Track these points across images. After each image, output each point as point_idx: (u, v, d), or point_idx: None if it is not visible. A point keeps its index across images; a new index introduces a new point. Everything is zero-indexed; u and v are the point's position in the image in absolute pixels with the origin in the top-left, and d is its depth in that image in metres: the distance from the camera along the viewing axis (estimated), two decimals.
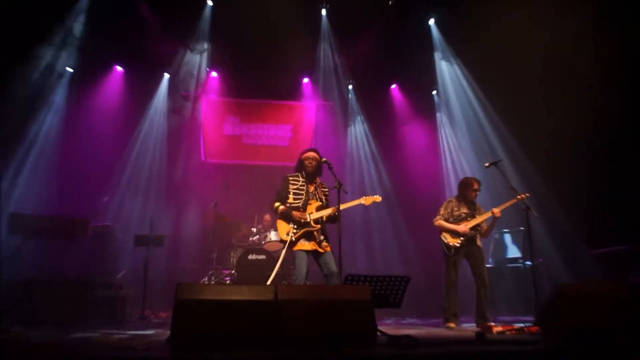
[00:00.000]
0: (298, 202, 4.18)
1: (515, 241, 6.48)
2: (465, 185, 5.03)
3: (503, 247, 6.65)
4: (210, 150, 8.45)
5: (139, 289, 5.47)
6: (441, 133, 8.68)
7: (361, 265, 7.68)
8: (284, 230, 4.13)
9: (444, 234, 4.94)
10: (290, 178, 4.27)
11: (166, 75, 8.24)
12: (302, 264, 3.99)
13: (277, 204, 4.20)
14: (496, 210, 4.79)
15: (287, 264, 6.16)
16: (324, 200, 4.27)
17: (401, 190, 8.23)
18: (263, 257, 6.35)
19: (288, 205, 4.20)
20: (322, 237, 4.16)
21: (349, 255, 7.47)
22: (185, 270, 7.13)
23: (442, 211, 5.05)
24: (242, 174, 8.05)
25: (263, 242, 6.80)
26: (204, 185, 7.74)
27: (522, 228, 6.36)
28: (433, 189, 8.09)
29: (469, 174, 7.17)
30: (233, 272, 6.48)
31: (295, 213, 4.12)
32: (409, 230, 7.92)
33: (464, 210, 4.97)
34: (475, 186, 4.99)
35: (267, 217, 7.25)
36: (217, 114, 8.61)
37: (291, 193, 4.19)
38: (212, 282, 6.20)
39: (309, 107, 8.88)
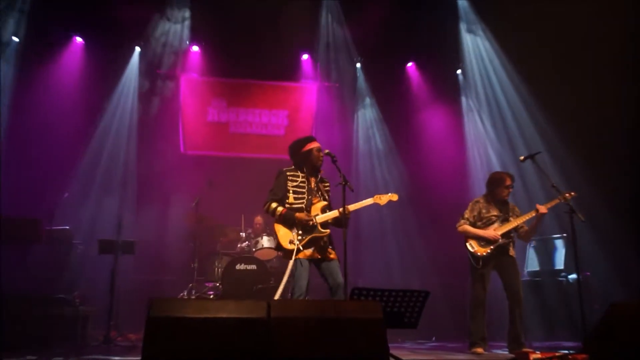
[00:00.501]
0: (301, 203, 4.20)
1: (556, 250, 6.52)
2: (496, 182, 5.05)
3: (541, 258, 6.69)
4: (191, 140, 8.46)
5: (104, 305, 5.46)
6: (467, 120, 8.72)
7: (370, 277, 7.76)
8: (285, 237, 4.15)
9: (470, 241, 4.97)
10: (289, 173, 4.28)
11: (137, 49, 8.20)
12: (304, 276, 4.03)
13: (273, 204, 4.20)
14: (542, 207, 4.79)
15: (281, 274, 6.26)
16: (327, 198, 4.30)
17: (418, 188, 8.32)
18: (253, 267, 6.45)
19: (288, 206, 4.21)
20: (328, 245, 4.22)
21: (356, 265, 7.51)
22: (160, 282, 7.20)
23: (467, 214, 5.07)
24: (229, 169, 8.09)
25: (254, 249, 6.87)
26: (184, 182, 7.76)
27: (564, 235, 6.41)
28: (457, 187, 8.11)
29: (499, 169, 7.25)
30: (218, 285, 6.57)
31: (300, 215, 4.14)
32: (428, 236, 7.99)
33: (494, 212, 4.99)
34: (508, 182, 4.99)
35: (259, 219, 7.31)
36: (199, 96, 8.63)
37: (291, 191, 4.21)
38: (193, 297, 6.25)
39: (308, 90, 8.94)
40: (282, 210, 4.17)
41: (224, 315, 2.61)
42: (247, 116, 8.75)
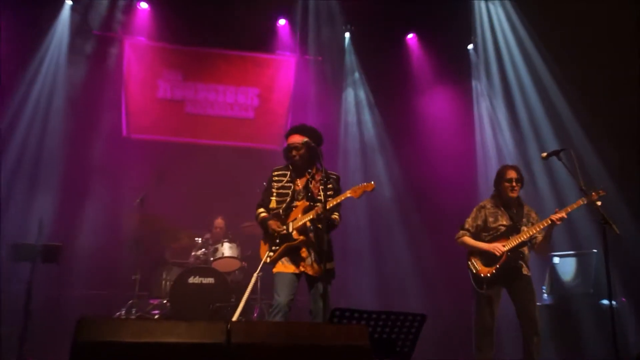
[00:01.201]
0: (280, 207, 4.48)
1: (584, 269, 6.60)
2: (497, 177, 5.14)
3: (565, 278, 6.75)
4: (136, 121, 8.44)
5: (17, 325, 5.32)
6: (477, 106, 8.80)
7: (356, 296, 7.88)
8: (264, 249, 4.47)
9: (472, 258, 5.04)
10: (276, 173, 4.57)
11: (68, 3, 8.09)
12: (284, 290, 4.20)
13: (259, 210, 4.53)
14: (556, 216, 4.80)
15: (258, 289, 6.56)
16: (321, 196, 4.34)
17: (417, 186, 8.42)
18: (211, 280, 6.54)
19: (271, 211, 4.50)
20: (312, 255, 4.34)
21: (339, 280, 7.56)
22: (91, 298, 7.12)
23: (468, 223, 5.13)
24: (184, 159, 8.12)
25: (212, 259, 6.94)
26: (125, 173, 7.78)
27: (594, 251, 6.47)
28: (464, 187, 8.19)
29: (516, 160, 7.40)
30: (165, 302, 6.66)
31: (271, 223, 4.40)
32: (428, 246, 8.08)
33: (503, 221, 5.05)
34: (510, 174, 5.04)
35: (219, 221, 7.46)
36: (147, 66, 8.60)
37: (275, 194, 4.51)
38: (133, 317, 6.27)
39: (285, 63, 9.03)
40: (261, 217, 4.47)
41: (172, 339, 2.57)
42: (208, 94, 8.75)
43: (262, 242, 4.53)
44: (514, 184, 5.03)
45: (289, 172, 4.54)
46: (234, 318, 4.49)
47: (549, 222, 4.83)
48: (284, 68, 9.00)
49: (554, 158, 4.78)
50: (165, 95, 8.64)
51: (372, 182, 4.33)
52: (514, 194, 5.04)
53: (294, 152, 4.49)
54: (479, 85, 8.81)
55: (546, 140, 7.71)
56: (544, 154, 4.89)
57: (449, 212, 7.11)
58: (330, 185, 4.33)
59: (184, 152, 8.33)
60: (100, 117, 8.03)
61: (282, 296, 4.20)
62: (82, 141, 7.75)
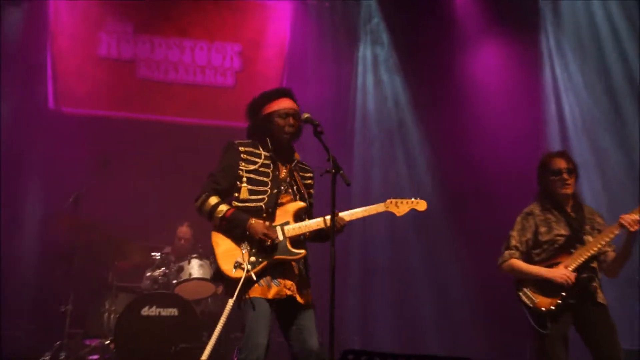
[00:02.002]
0: (259, 201, 4.26)
1: None
2: (543, 168, 5.09)
3: None
4: (68, 90, 8.42)
5: None
6: (547, 66, 8.82)
7: (375, 330, 7.97)
8: (228, 257, 4.17)
9: (524, 289, 4.92)
10: (243, 149, 4.35)
11: None
12: (261, 326, 4.04)
13: (213, 199, 4.25)
14: (627, 217, 4.69)
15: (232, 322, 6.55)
16: (305, 195, 4.38)
17: (459, 184, 8.49)
18: (173, 311, 6.47)
19: (239, 205, 4.25)
20: (303, 276, 4.29)
21: (350, 309, 7.73)
22: (3, 339, 7.01)
23: (514, 237, 5.06)
24: (136, 142, 8.10)
25: (174, 282, 6.94)
26: (53, 162, 7.76)
27: None
28: (528, 179, 8.01)
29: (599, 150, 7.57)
30: (108, 342, 6.57)
31: (256, 224, 4.17)
32: (470, 263, 8.15)
33: (561, 229, 4.94)
34: (557, 164, 4.98)
35: (185, 230, 7.52)
36: (84, 14, 8.57)
37: (245, 180, 4.27)
38: None
39: (278, 9, 9.03)
40: (228, 212, 4.16)
41: None
42: (170, 51, 8.70)
43: (219, 246, 4.20)
44: (565, 176, 4.92)
45: (263, 152, 4.34)
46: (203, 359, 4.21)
47: (619, 230, 4.74)
48: (276, 16, 8.95)
49: None
50: (110, 53, 8.59)
51: (423, 201, 4.46)
52: (567, 190, 4.93)
53: (290, 122, 4.27)
54: (548, 38, 8.86)
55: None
56: None
57: (506, 218, 7.01)
58: (310, 181, 4.43)
59: (136, 132, 8.26)
60: (16, 84, 8.03)
61: (261, 336, 3.96)
62: None
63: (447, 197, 8.48)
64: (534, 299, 4.81)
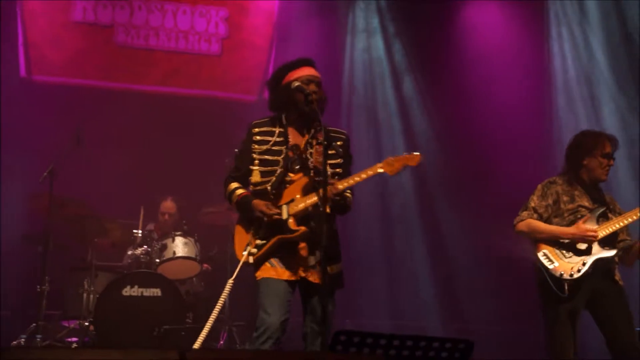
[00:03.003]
0: (267, 182, 4.29)
1: None
2: (585, 148, 4.97)
3: None
4: (41, 57, 8.31)
5: None
6: (553, 31, 8.79)
7: (370, 310, 8.16)
8: (241, 242, 4.31)
9: (542, 248, 4.84)
10: (257, 130, 4.39)
11: None
12: (276, 305, 4.09)
13: (233, 184, 4.37)
14: None
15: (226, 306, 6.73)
16: (327, 168, 4.17)
17: (460, 151, 8.53)
18: (156, 291, 6.43)
19: (252, 188, 4.35)
20: (316, 253, 4.21)
21: (346, 287, 7.72)
22: None
23: (534, 201, 4.99)
24: (114, 113, 7.89)
25: (157, 260, 6.91)
26: (25, 134, 7.71)
27: None
28: (533, 152, 8.17)
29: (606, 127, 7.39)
30: (87, 324, 6.53)
31: (257, 204, 4.22)
32: (478, 238, 8.10)
33: (584, 201, 4.90)
34: (607, 148, 4.89)
35: (169, 205, 7.48)
36: None
37: (257, 162, 4.30)
38: (39, 344, 6.27)
39: None
40: (240, 195, 4.28)
41: None
42: (151, 16, 8.55)
43: (237, 233, 4.32)
44: (612, 162, 4.91)
45: (278, 129, 4.34)
46: (196, 346, 4.27)
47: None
48: None
49: None
50: (85, 17, 8.41)
51: (418, 153, 4.34)
52: (606, 177, 4.94)
53: (312, 91, 4.15)
54: (557, 6, 8.85)
55: None
56: None
57: (510, 191, 6.86)
58: (333, 152, 4.22)
59: (115, 103, 8.08)
60: None
61: (272, 314, 4.00)
62: None
63: (448, 164, 8.48)
64: (554, 259, 4.76)
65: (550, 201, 4.92)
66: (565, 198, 4.91)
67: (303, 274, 4.18)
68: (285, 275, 4.16)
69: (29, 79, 8.23)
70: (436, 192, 8.64)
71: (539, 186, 5.03)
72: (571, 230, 4.74)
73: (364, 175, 4.24)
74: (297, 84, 4.22)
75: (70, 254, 7.11)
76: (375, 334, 3.04)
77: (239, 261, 4.23)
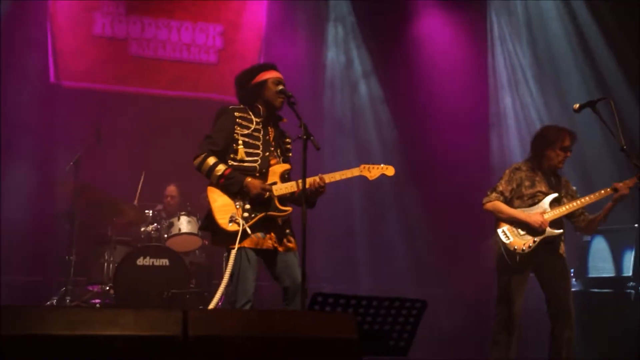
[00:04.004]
0: (254, 162, 4.35)
1: (620, 249, 6.67)
2: (547, 140, 5.18)
3: (597, 259, 6.86)
4: (67, 65, 8.43)
5: None
6: (493, 33, 9.03)
7: (342, 280, 8.13)
8: (224, 212, 4.25)
9: (503, 226, 5.10)
10: (238, 114, 4.40)
11: None
12: (251, 275, 4.20)
13: (211, 159, 4.28)
14: (622, 185, 4.91)
15: (215, 270, 6.81)
16: (289, 160, 4.51)
17: (420, 148, 8.63)
18: (164, 261, 6.66)
19: (236, 165, 4.33)
20: (286, 228, 4.40)
21: (322, 262, 7.88)
22: (15, 285, 7.19)
23: (502, 185, 5.19)
24: (128, 112, 8.14)
25: (165, 236, 7.10)
26: (54, 131, 7.85)
27: (636, 225, 6.58)
28: (477, 148, 8.46)
29: (543, 119, 7.48)
30: (107, 288, 6.79)
31: (253, 182, 4.25)
32: (431, 221, 8.38)
33: (541, 187, 5.14)
34: (566, 142, 5.12)
35: (172, 189, 7.67)
36: None
37: (241, 143, 4.34)
38: (68, 305, 6.40)
39: None
40: (226, 170, 4.24)
41: (115, 332, 2.53)
42: (159, 31, 8.76)
43: (213, 202, 4.28)
44: (569, 154, 5.13)
45: (254, 118, 4.41)
46: (211, 307, 4.52)
47: (609, 192, 4.93)
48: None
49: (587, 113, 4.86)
50: (104, 32, 8.61)
51: (391, 167, 4.60)
52: (561, 165, 5.17)
53: (280, 89, 4.34)
54: (492, 5, 9.07)
55: (585, 90, 7.90)
56: (577, 105, 4.96)
57: (458, 180, 7.60)
58: (289, 147, 4.49)
59: (129, 104, 8.32)
60: (19, 60, 8.04)
61: (249, 282, 4.18)
62: None
63: (409, 157, 8.59)
64: (511, 236, 5.00)
65: (514, 185, 5.12)
66: (527, 183, 5.11)
67: (275, 245, 4.29)
68: (260, 244, 4.24)
69: (57, 84, 8.31)
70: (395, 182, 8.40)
71: (507, 171, 5.22)
72: (526, 218, 4.96)
73: (347, 174, 4.43)
74: (280, 87, 4.32)
75: (93, 231, 7.26)
76: (347, 296, 3.15)
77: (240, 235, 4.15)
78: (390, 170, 4.58)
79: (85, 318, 2.57)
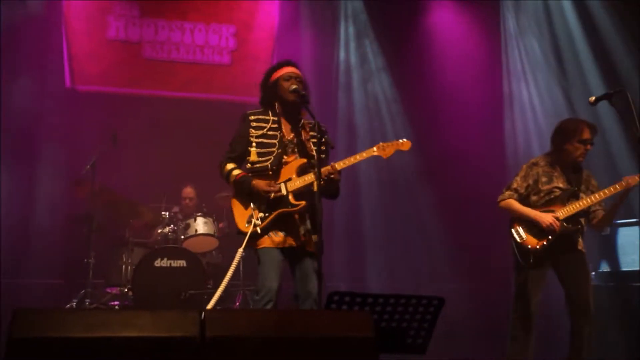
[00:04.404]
0: (266, 161, 4.35)
1: (629, 243, 6.64)
2: (566, 134, 5.10)
3: (619, 252, 6.77)
4: (83, 70, 8.46)
5: None
6: (507, 26, 9.01)
7: (361, 278, 8.14)
8: (243, 215, 4.32)
9: (516, 226, 5.08)
10: (254, 117, 4.43)
11: None
12: (272, 273, 4.18)
13: (229, 165, 4.39)
14: (632, 178, 4.84)
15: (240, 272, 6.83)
16: (314, 152, 4.31)
17: (434, 143, 8.55)
18: (182, 263, 6.71)
19: (249, 167, 4.37)
20: (307, 224, 4.35)
21: (339, 260, 7.85)
22: (35, 288, 7.26)
23: (516, 182, 5.16)
24: (144, 115, 8.18)
25: (182, 237, 7.13)
26: (71, 134, 7.87)
27: None
28: (492, 139, 8.47)
29: (560, 112, 7.44)
30: (126, 290, 6.82)
31: (257, 183, 4.28)
32: (449, 220, 8.31)
33: (559, 182, 5.09)
34: (585, 135, 5.02)
35: (189, 191, 7.72)
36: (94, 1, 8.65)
37: (254, 145, 4.36)
38: (87, 307, 6.44)
39: None
40: (238, 175, 4.31)
41: (132, 333, 2.56)
42: (172, 33, 8.80)
43: (235, 207, 4.37)
44: (589, 147, 5.02)
45: (271, 117, 4.41)
46: (209, 307, 4.45)
47: (623, 186, 4.84)
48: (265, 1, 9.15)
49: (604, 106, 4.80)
50: (118, 36, 8.67)
51: (407, 140, 4.48)
52: (582, 159, 5.06)
53: (293, 85, 4.32)
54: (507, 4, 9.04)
55: (601, 81, 7.85)
56: (592, 98, 4.85)
57: (473, 178, 7.50)
58: (324, 140, 4.33)
59: (144, 106, 8.35)
60: (36, 64, 8.08)
61: (272, 280, 4.14)
62: (14, 95, 7.77)
63: (425, 155, 8.48)
64: (523, 235, 4.96)
65: (530, 182, 5.07)
66: (544, 179, 5.05)
67: (296, 243, 4.26)
68: (281, 243, 4.22)
69: (73, 89, 8.37)
70: (419, 180, 8.69)
71: (524, 167, 5.18)
72: (536, 217, 4.91)
73: (359, 157, 4.34)
74: (291, 82, 4.30)
75: (111, 233, 7.25)
76: (363, 294, 3.13)
77: (257, 235, 4.20)
78: (405, 145, 4.47)
79: (103, 320, 2.59)
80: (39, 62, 8.16)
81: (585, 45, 8.20)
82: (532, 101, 8.54)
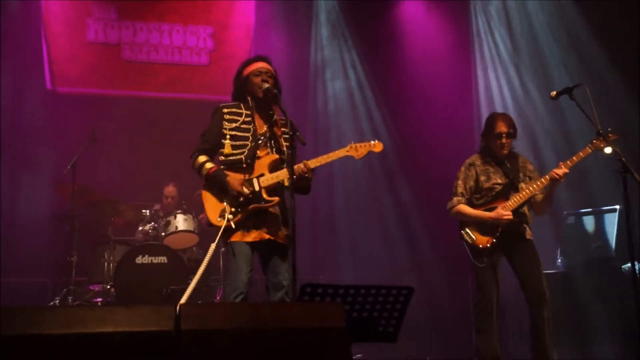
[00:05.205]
0: (240, 154, 4.31)
1: (604, 229, 6.67)
2: (486, 130, 5.19)
3: (583, 239, 6.86)
4: (62, 72, 8.46)
5: None
6: (476, 28, 8.98)
7: (333, 271, 8.09)
8: (215, 209, 4.27)
9: (466, 228, 5.13)
10: (227, 110, 4.39)
11: None
12: (243, 267, 4.15)
13: (201, 157, 4.33)
14: (558, 171, 4.86)
15: (213, 266, 6.78)
16: (284, 148, 4.32)
17: (407, 143, 8.59)
18: (163, 259, 6.70)
19: (222, 159, 4.33)
20: (280, 220, 4.33)
21: (313, 255, 7.88)
22: (17, 287, 7.21)
23: (460, 185, 5.19)
24: (124, 115, 8.19)
25: (163, 234, 7.12)
26: (52, 134, 7.85)
27: (617, 207, 6.56)
28: (462, 137, 8.36)
29: (530, 109, 7.49)
30: (108, 287, 6.80)
31: (231, 181, 4.23)
32: (419, 212, 8.35)
33: (498, 178, 5.13)
34: (499, 128, 5.08)
35: (170, 189, 7.69)
36: (72, 3, 8.59)
37: (228, 137, 4.32)
38: (71, 304, 6.47)
39: None
40: (210, 169, 4.26)
41: (108, 329, 2.53)
42: (150, 35, 8.78)
43: (205, 200, 4.31)
44: (504, 140, 5.08)
45: (245, 111, 4.37)
46: (183, 300, 4.25)
47: (549, 178, 4.90)
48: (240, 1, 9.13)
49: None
50: (97, 38, 8.64)
51: (379, 141, 4.46)
52: (504, 151, 5.12)
53: (263, 79, 4.29)
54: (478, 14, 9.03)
55: (566, 75, 7.80)
56: (554, 93, 4.93)
57: (444, 172, 7.12)
58: (296, 136, 4.21)
59: (124, 107, 8.35)
60: (16, 67, 8.04)
61: (243, 274, 4.12)
62: None
63: (396, 151, 8.58)
64: (473, 237, 5.05)
65: (471, 183, 5.13)
66: (482, 178, 5.12)
67: (267, 236, 4.22)
68: (251, 237, 4.20)
69: (53, 91, 8.33)
70: (382, 175, 8.70)
71: (462, 169, 5.22)
72: (491, 215, 4.97)
73: (332, 156, 4.32)
74: (260, 78, 4.28)
75: (93, 232, 7.25)
76: (335, 286, 3.10)
77: (229, 229, 4.15)
78: (377, 147, 4.45)
79: (80, 317, 2.57)
80: (20, 64, 8.13)
81: (553, 39, 8.28)
82: (502, 95, 8.57)
